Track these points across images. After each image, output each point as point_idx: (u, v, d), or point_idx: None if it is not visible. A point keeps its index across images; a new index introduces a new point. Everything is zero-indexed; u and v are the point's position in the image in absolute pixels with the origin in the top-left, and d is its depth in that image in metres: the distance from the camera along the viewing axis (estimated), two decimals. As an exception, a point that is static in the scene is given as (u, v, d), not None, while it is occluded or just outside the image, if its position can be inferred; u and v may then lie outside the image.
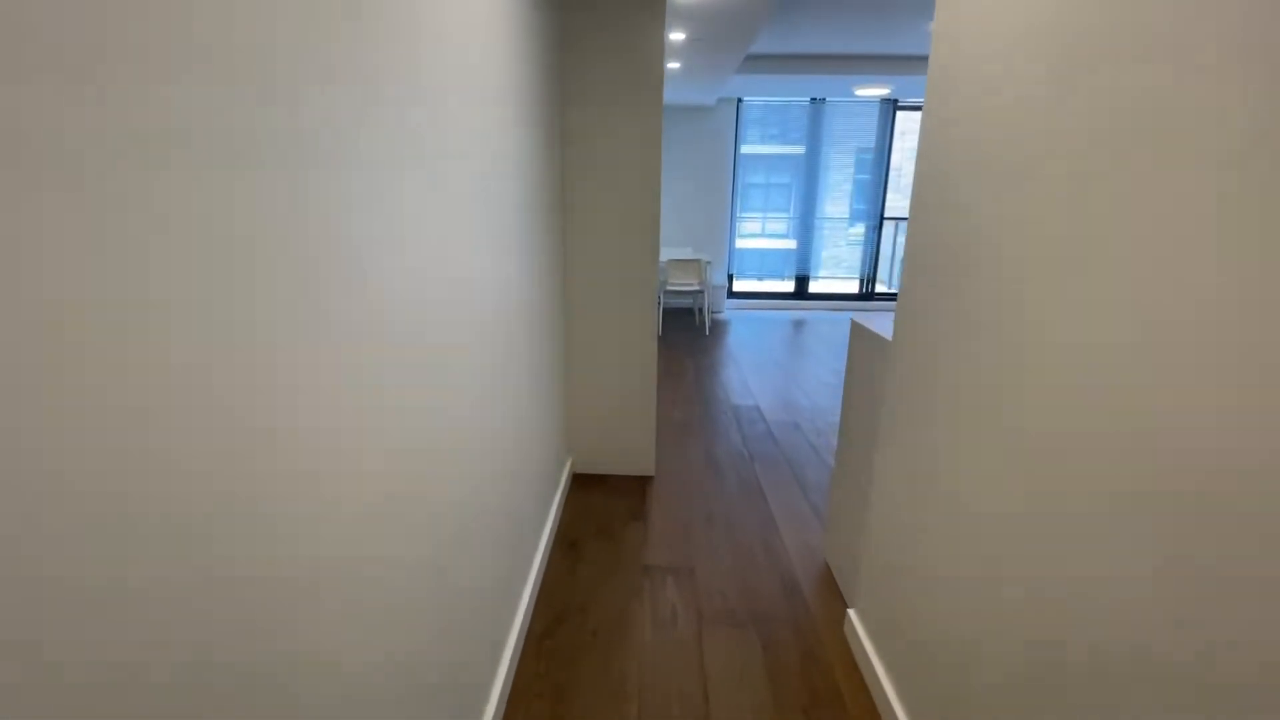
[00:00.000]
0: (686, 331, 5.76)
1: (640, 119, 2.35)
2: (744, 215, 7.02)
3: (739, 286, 7.25)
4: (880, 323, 1.83)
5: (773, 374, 4.39)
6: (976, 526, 1.12)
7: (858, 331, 1.83)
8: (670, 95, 5.80)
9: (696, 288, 5.59)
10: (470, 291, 1.25)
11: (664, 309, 6.77)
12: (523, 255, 1.71)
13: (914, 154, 10.03)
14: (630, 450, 2.70)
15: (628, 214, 2.45)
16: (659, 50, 2.29)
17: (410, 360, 0.96)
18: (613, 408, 2.65)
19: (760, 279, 7.52)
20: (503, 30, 1.45)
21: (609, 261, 2.49)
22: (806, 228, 6.87)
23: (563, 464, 2.54)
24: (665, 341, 5.36)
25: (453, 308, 1.16)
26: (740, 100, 6.44)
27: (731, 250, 6.94)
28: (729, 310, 6.90)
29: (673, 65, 4.40)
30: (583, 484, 2.64)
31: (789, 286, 7.15)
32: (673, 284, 5.59)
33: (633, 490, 2.59)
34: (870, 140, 6.61)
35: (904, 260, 1.44)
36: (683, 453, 3.00)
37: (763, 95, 6.28)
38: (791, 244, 7.00)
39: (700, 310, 6.35)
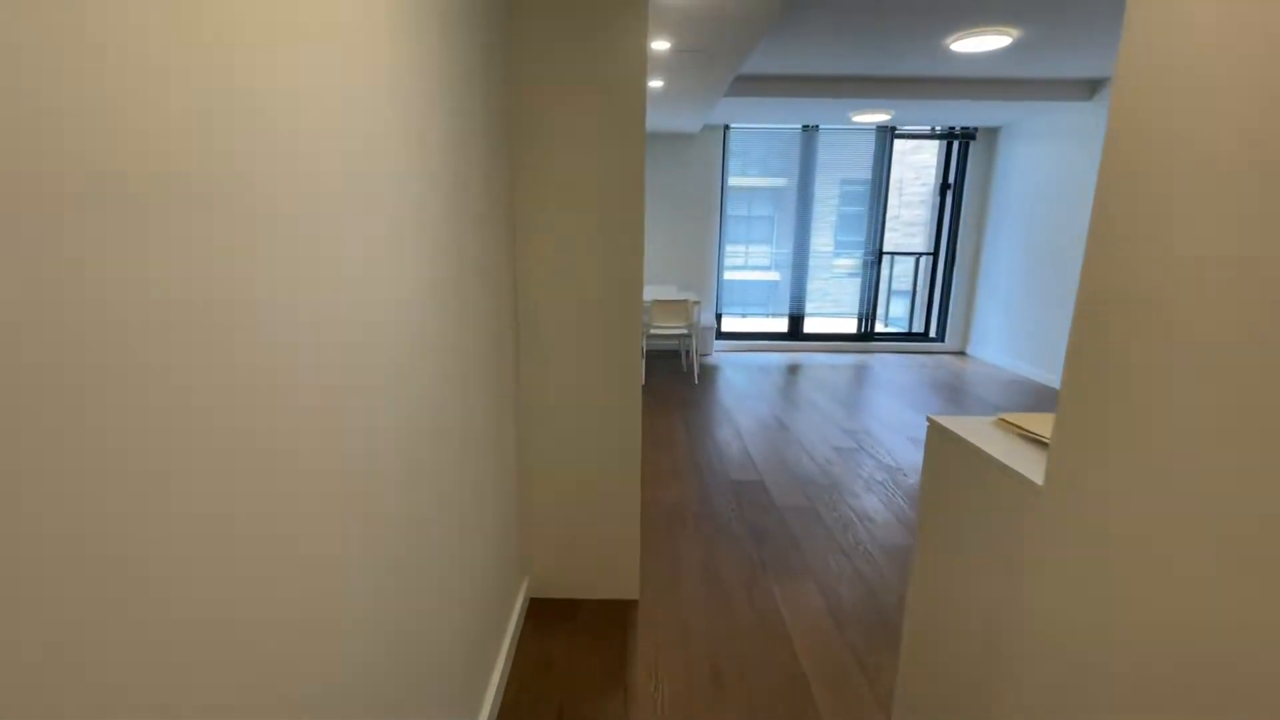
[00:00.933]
0: (673, 379, 5.14)
1: (619, 134, 1.76)
2: (732, 250, 6.49)
3: (729, 326, 6.69)
4: (964, 405, 1.21)
5: (774, 435, 3.77)
6: None
7: (949, 444, 1.20)
8: (653, 122, 5.29)
9: (684, 331, 4.99)
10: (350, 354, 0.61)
11: (647, 352, 6.16)
12: (440, 298, 1.08)
13: (914, 183, 9.62)
14: (608, 562, 2.04)
15: (604, 252, 1.84)
16: (641, 58, 1.71)
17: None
18: (585, 504, 2.00)
19: (748, 315, 6.96)
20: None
21: (580, 313, 1.87)
22: (799, 264, 6.35)
23: (513, 593, 1.86)
24: (650, 392, 4.72)
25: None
26: (727, 127, 5.97)
27: (720, 288, 6.38)
28: (718, 353, 6.31)
29: (655, 84, 3.87)
30: (542, 620, 1.96)
31: (781, 325, 6.59)
32: (657, 327, 4.99)
33: (610, 628, 1.92)
34: (865, 170, 6.16)
35: (1078, 326, 0.82)
36: (675, 559, 2.34)
37: (752, 121, 5.81)
38: (784, 280, 6.47)
39: (688, 354, 5.73)
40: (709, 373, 5.43)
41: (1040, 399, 4.69)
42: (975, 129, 5.97)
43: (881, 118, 5.32)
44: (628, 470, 1.99)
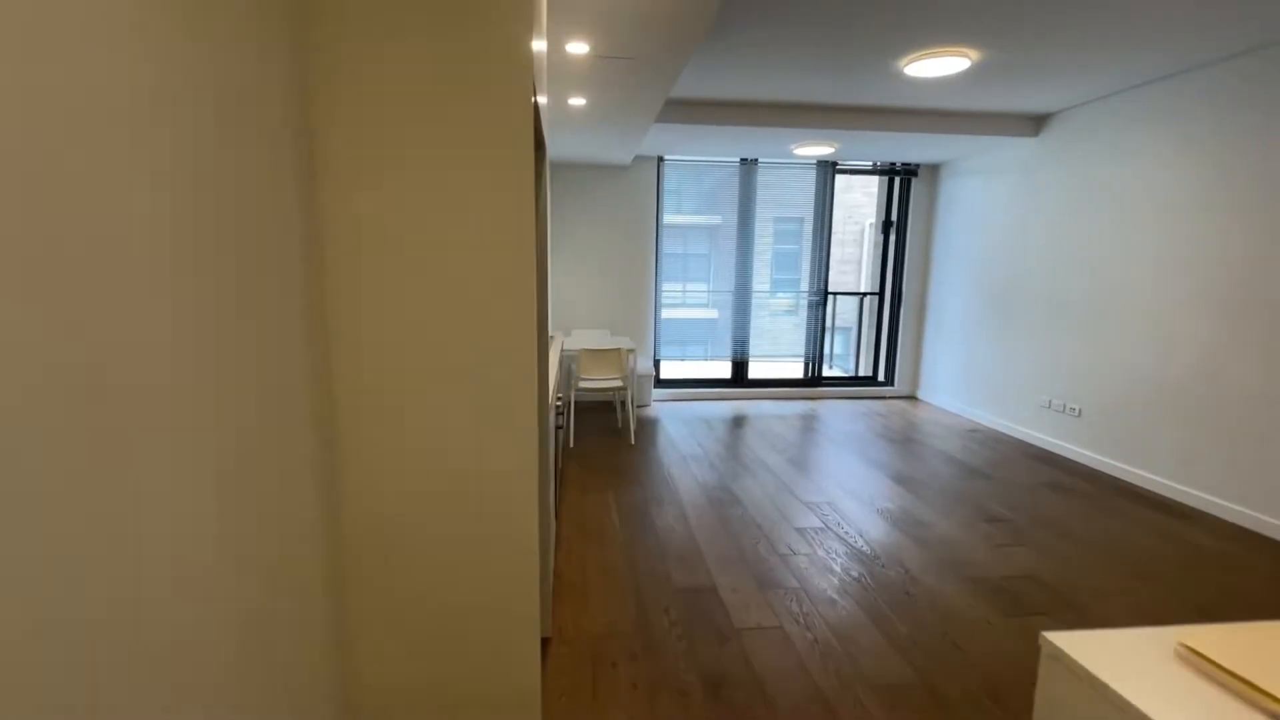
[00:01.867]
0: (607, 439, 4.49)
1: (493, 137, 1.15)
2: (669, 288, 5.99)
3: (668, 371, 6.13)
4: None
5: (725, 513, 3.17)
6: None
7: (1081, 687, 0.60)
8: (582, 151, 4.75)
9: (618, 383, 4.38)
10: None
11: (576, 406, 5.50)
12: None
13: (846, 222, 9.56)
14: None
15: (479, 296, 1.21)
16: (525, 36, 1.12)
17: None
18: (451, 656, 1.32)
19: (688, 359, 6.44)
20: None
21: (444, 373, 1.22)
22: (740, 305, 5.90)
23: None
24: (578, 457, 4.05)
25: None
26: (661, 159, 5.51)
27: (658, 331, 5.84)
28: (658, 403, 5.72)
29: (577, 101, 3.32)
30: None
31: (724, 370, 6.09)
32: (586, 380, 4.36)
33: None
34: (805, 206, 5.83)
35: None
36: (601, 733, 1.66)
37: (688, 154, 5.38)
38: (723, 320, 6.00)
39: (623, 405, 5.10)
40: (647, 428, 4.82)
41: (1002, 449, 4.32)
42: (917, 165, 5.76)
43: (824, 151, 4.98)
44: (519, 597, 1.32)
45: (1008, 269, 4.80)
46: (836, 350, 7.73)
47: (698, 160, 5.59)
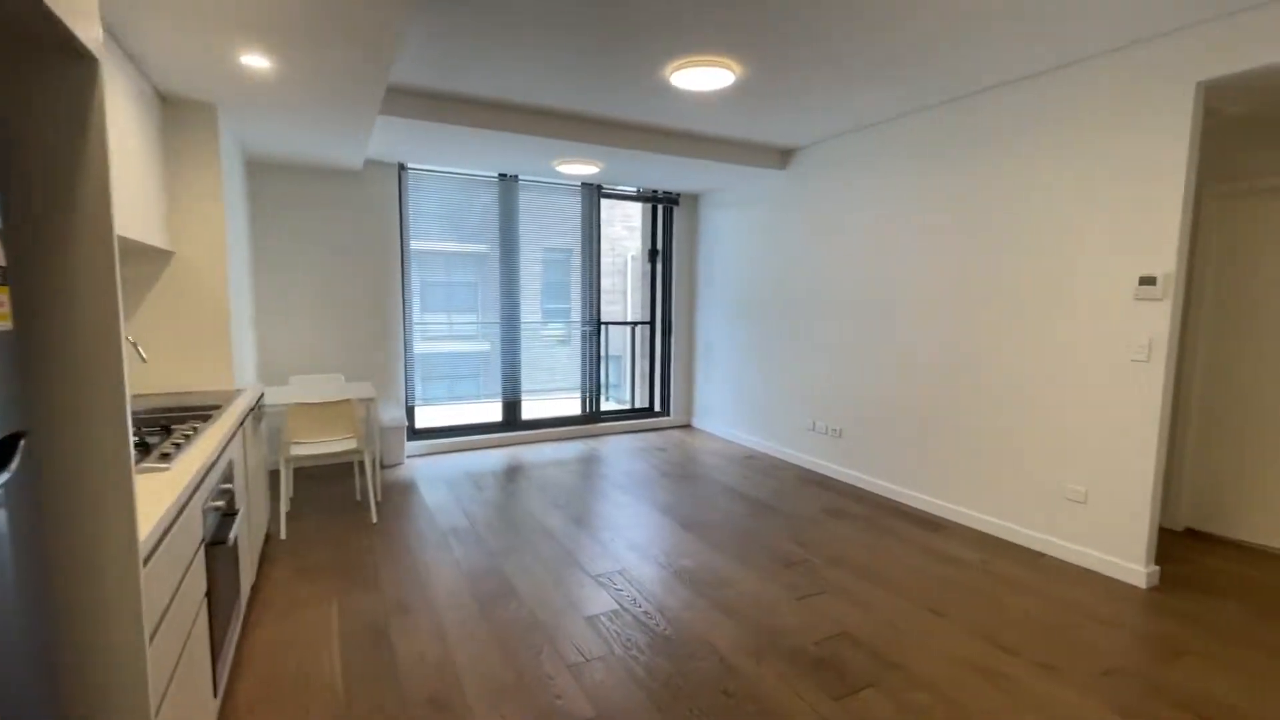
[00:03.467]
0: (337, 518, 3.41)
1: None
2: (433, 320, 5.06)
3: (428, 418, 5.15)
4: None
5: (498, 613, 2.44)
6: None
7: None
8: (289, 145, 3.66)
9: (350, 444, 3.36)
10: None
11: (295, 476, 4.24)
12: None
13: (608, 253, 9.46)
14: None
15: None
16: None
17: None
18: None
19: (457, 401, 5.56)
20: None
21: None
22: (509, 338, 5.23)
23: None
24: (295, 552, 2.94)
25: None
26: (404, 167, 4.62)
27: (411, 374, 4.85)
28: (413, 459, 4.71)
29: (259, 61, 2.36)
30: None
31: (495, 412, 5.33)
32: (302, 445, 3.26)
33: None
34: (571, 231, 5.43)
35: None
36: None
37: (435, 162, 4.58)
38: (493, 356, 5.26)
39: (366, 469, 4.05)
40: (399, 495, 3.83)
41: (780, 476, 4.31)
42: (678, 194, 5.76)
43: (589, 170, 4.62)
44: None
45: (764, 296, 4.93)
46: (613, 381, 7.50)
47: (448, 172, 4.82)
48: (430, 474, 4.33)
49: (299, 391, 3.55)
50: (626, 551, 3.02)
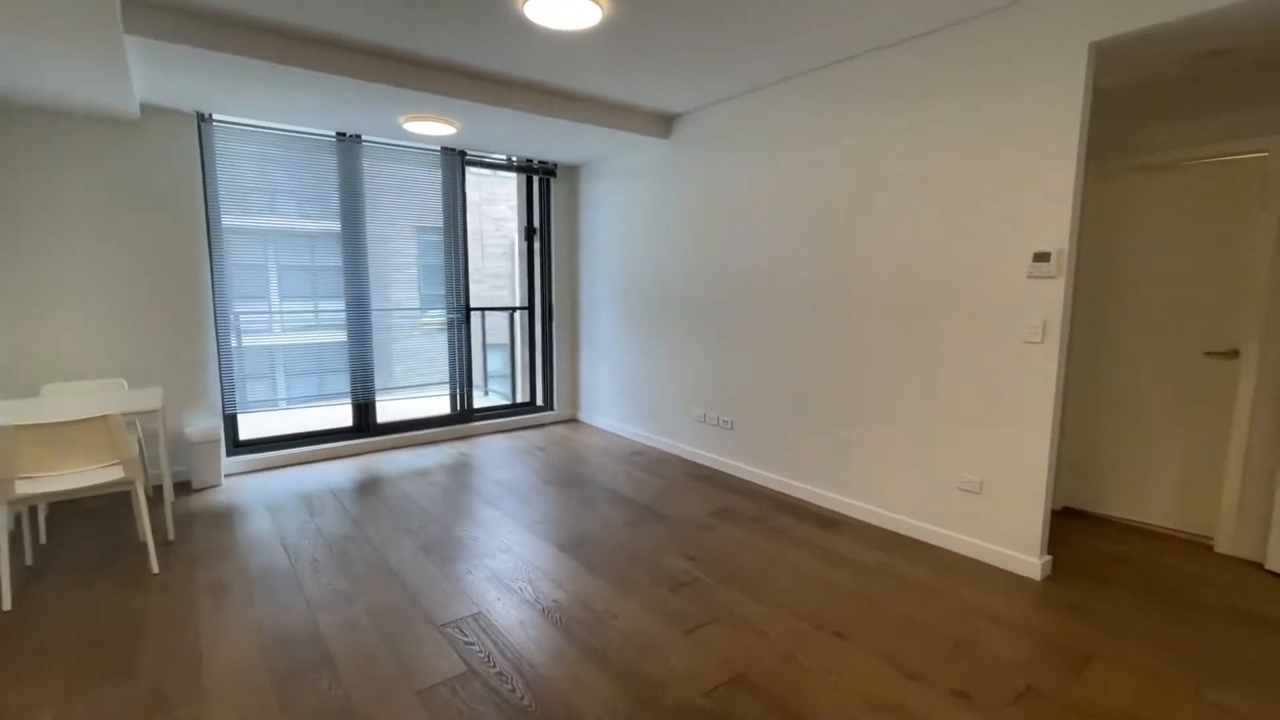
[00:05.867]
0: (103, 573, 2.59)
1: None
2: (246, 310, 4.17)
3: (254, 425, 4.28)
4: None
5: (304, 705, 1.84)
6: None
7: None
8: (15, 75, 2.71)
9: (116, 474, 2.55)
10: None
11: (57, 511, 3.30)
12: None
13: (495, 235, 8.81)
14: None
15: None
16: None
17: None
18: None
19: (307, 402, 4.72)
20: None
21: None
22: (359, 331, 4.47)
23: None
24: (11, 638, 2.14)
25: None
26: (205, 118, 3.71)
27: (229, 373, 3.98)
28: (237, 477, 3.87)
29: None
30: None
31: (344, 413, 4.56)
32: (33, 478, 2.43)
33: None
34: (435, 204, 4.73)
35: None
36: None
37: (248, 114, 3.72)
38: (341, 349, 4.47)
39: (141, 503, 3.23)
40: (202, 530, 3.04)
41: (667, 473, 3.95)
42: (555, 164, 5.20)
43: (445, 131, 3.95)
44: None
45: (648, 277, 4.52)
46: (503, 373, 6.83)
47: (270, 129, 3.95)
48: (254, 496, 3.54)
49: (34, 407, 2.67)
50: (486, 586, 2.50)
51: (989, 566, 2.69)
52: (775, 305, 3.60)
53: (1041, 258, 2.46)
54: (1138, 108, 3.03)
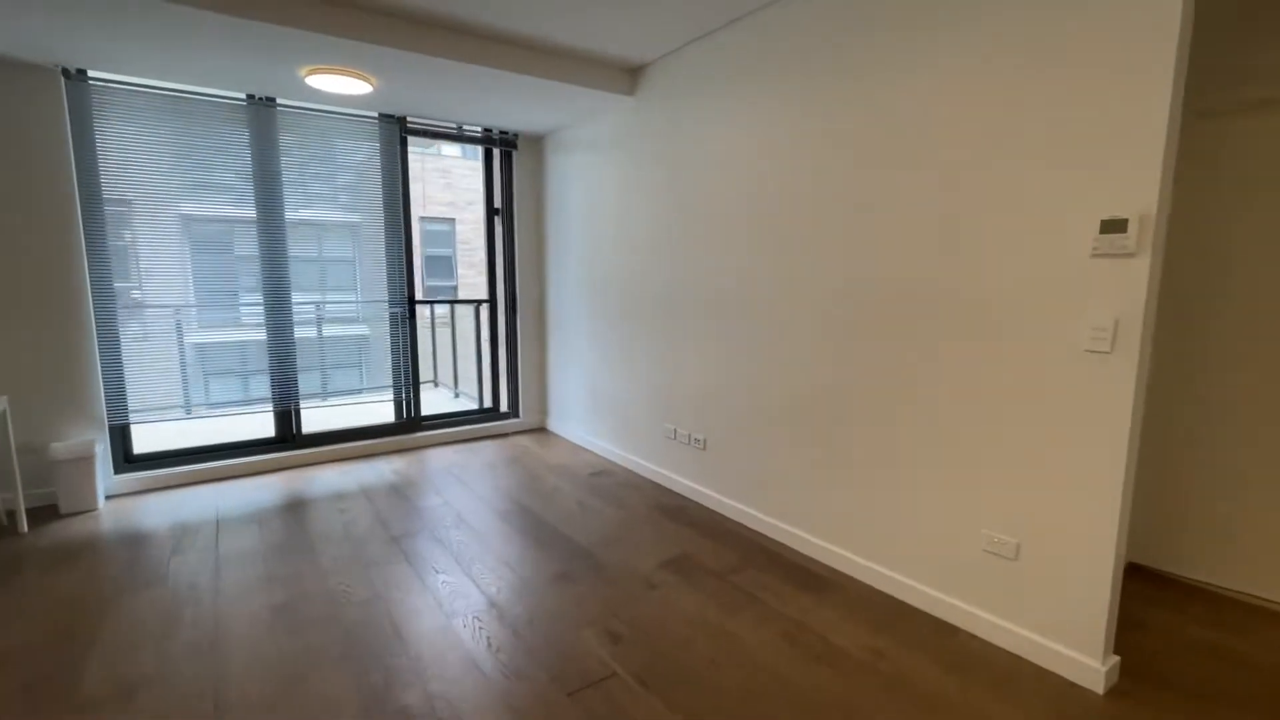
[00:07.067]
0: None
1: None
2: (152, 305, 3.59)
3: (149, 438, 3.70)
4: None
5: None
6: None
7: None
8: None
9: None
10: None
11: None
12: None
13: (441, 203, 8.18)
14: None
15: None
16: None
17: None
18: None
19: (227, 409, 4.16)
20: None
21: None
22: (279, 329, 3.86)
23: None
24: None
25: None
26: (72, 74, 3.11)
27: (121, 375, 3.40)
28: (119, 500, 3.29)
29: None
30: None
31: (264, 421, 3.97)
32: None
33: None
34: (372, 179, 4.08)
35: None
36: None
37: (130, 71, 3.11)
38: (259, 347, 3.87)
39: (13, 523, 2.58)
40: (62, 568, 2.45)
41: (628, 502, 3.24)
42: (515, 135, 4.51)
43: (360, 87, 3.29)
44: None
45: (617, 266, 3.80)
46: (445, 381, 6.19)
47: (158, 89, 3.34)
48: (123, 525, 2.96)
49: None
50: (412, 686, 1.84)
51: (1027, 665, 1.92)
52: (760, 308, 2.86)
53: (1114, 226, 1.68)
54: (1257, 20, 2.19)
